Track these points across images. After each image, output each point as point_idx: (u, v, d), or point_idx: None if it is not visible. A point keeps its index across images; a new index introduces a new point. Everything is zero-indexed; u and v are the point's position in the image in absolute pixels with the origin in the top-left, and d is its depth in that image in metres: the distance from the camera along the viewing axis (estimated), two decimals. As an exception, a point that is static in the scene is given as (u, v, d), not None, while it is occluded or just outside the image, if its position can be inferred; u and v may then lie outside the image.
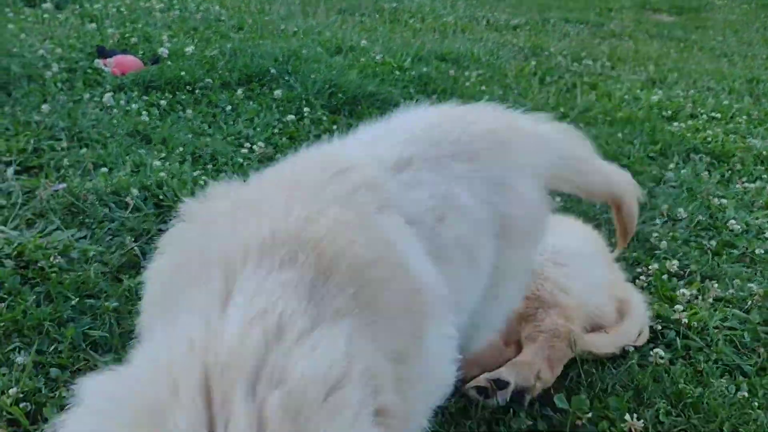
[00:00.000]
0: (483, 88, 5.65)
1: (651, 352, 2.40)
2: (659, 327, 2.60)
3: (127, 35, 5.84)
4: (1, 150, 3.42)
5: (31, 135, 3.66)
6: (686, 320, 2.60)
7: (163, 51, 5.32)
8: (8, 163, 3.32)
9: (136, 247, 2.75)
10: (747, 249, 3.32)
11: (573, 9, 10.87)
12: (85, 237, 2.83)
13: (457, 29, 8.31)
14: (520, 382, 2.12)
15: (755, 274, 3.12)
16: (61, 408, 1.82)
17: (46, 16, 6.33)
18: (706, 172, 4.21)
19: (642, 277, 2.94)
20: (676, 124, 5.02)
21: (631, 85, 6.18)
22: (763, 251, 3.28)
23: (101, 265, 2.63)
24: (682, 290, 2.78)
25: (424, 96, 5.36)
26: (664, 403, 2.18)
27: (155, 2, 7.33)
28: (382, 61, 5.94)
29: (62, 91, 4.51)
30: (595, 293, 2.44)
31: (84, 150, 3.64)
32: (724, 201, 3.78)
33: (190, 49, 5.39)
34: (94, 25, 6.01)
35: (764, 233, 3.51)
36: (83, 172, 3.39)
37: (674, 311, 2.65)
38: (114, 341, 2.25)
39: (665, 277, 2.95)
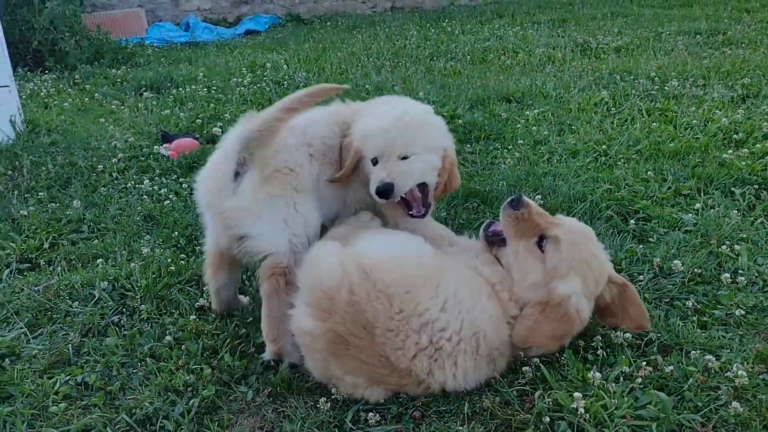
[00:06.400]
0: (534, 128, 5.36)
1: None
2: (547, 419, 2.25)
3: (200, 116, 6.30)
4: (14, 250, 3.86)
5: (53, 231, 4.09)
6: (583, 410, 2.25)
7: (216, 130, 5.70)
8: (8, 264, 3.74)
9: (70, 344, 2.96)
10: (735, 307, 2.82)
11: (697, 17, 9.96)
12: (41, 334, 3.10)
13: (544, 60, 7.97)
14: None
15: (731, 340, 2.64)
16: None
17: (140, 105, 7.06)
18: (737, 211, 3.64)
19: (561, 357, 2.56)
20: (730, 151, 4.39)
21: (713, 104, 5.52)
22: (744, 311, 2.79)
23: (34, 362, 2.87)
24: (594, 373, 2.40)
25: (464, 144, 5.20)
26: None
27: (243, 78, 7.88)
28: (432, 111, 5.85)
29: (115, 181, 4.98)
30: None
31: (96, 242, 4.00)
32: (738, 247, 3.26)
33: (240, 124, 5.70)
34: (168, 111, 6.57)
35: (776, 284, 2.98)
36: (81, 265, 3.72)
37: (572, 398, 2.30)
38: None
39: (602, 352, 2.57)
